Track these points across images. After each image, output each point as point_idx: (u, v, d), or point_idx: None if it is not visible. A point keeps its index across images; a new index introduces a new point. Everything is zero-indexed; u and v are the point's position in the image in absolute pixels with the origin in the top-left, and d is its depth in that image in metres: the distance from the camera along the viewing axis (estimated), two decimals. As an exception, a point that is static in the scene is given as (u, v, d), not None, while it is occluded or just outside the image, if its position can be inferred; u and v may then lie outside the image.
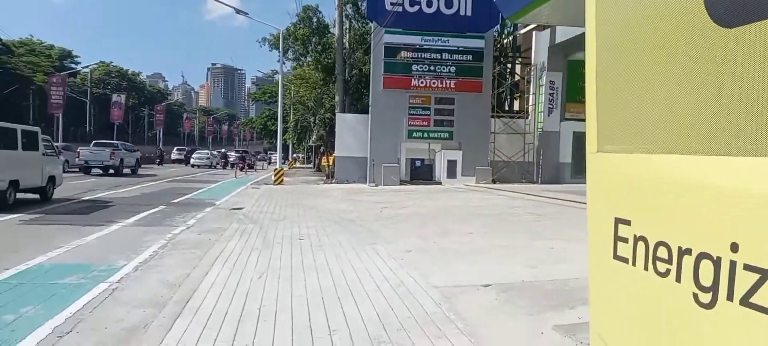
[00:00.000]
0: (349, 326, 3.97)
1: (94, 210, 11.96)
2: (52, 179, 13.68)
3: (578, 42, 21.50)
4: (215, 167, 43.95)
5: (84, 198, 14.55)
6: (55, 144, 16.97)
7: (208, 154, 46.98)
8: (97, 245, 7.71)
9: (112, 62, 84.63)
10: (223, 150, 56.93)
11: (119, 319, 4.33)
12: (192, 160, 44.00)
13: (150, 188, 19.44)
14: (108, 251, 7.28)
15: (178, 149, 53.74)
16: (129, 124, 78.72)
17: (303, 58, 26.76)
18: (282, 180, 21.59)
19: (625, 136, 1.47)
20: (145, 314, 4.45)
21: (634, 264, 1.37)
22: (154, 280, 5.66)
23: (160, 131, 70.85)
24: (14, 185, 11.66)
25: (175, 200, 14.71)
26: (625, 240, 1.41)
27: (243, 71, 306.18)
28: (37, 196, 13.16)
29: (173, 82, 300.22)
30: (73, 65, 66.05)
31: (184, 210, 12.34)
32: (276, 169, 22.25)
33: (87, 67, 64.49)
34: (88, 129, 60.40)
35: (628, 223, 1.40)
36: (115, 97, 57.45)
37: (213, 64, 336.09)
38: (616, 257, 1.46)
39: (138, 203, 13.72)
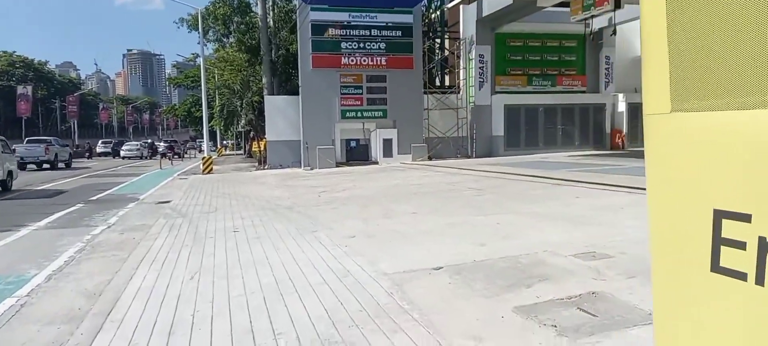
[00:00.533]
0: (295, 328, 3.60)
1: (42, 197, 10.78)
2: (10, 173, 15.68)
3: (504, 15, 21.78)
4: (145, 158, 41.63)
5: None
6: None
7: (138, 145, 44.59)
8: (1, 254, 6.86)
9: (15, 52, 78.14)
10: (149, 140, 53.64)
11: (27, 341, 3.74)
12: (122, 152, 41.48)
13: (70, 183, 17.97)
14: (16, 259, 6.48)
15: (103, 142, 50.46)
16: (39, 118, 73.18)
17: (225, 40, 25.47)
18: (211, 169, 20.60)
19: (734, 83, 0.97)
20: (58, 332, 3.87)
21: (759, 282, 0.90)
22: (69, 290, 5.02)
23: (74, 123, 66.28)
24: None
25: (95, 197, 13.60)
26: (738, 245, 0.95)
27: (162, 56, 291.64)
28: None
29: (87, 72, 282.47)
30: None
31: (104, 207, 11.38)
32: (204, 157, 21.19)
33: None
34: (-9, 125, 55.61)
35: (744, 218, 0.94)
36: (20, 90, 53.16)
37: (129, 50, 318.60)
38: (717, 268, 1.00)
39: (55, 202, 12.55)
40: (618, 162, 16.34)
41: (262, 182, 15.62)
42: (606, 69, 24.95)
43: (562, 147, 23.41)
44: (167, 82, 78.30)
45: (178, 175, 21.27)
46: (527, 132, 23.27)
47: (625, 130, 24.32)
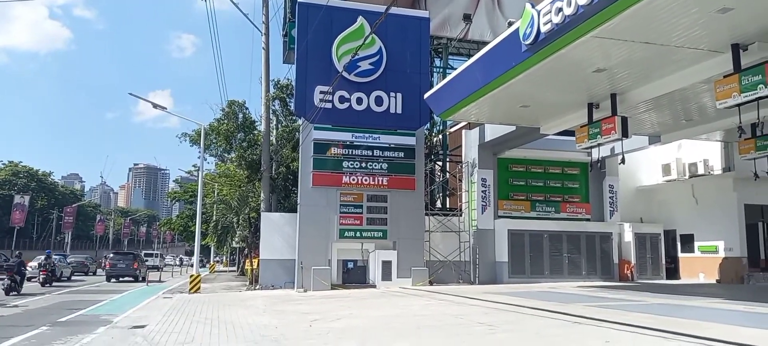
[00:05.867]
0: None
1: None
2: None
3: (506, 141, 21.72)
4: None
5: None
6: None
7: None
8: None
9: (21, 162, 79.06)
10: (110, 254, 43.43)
11: None
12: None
13: (46, 299, 16.70)
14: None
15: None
16: (34, 228, 72.25)
17: (226, 155, 25.34)
18: (199, 287, 19.38)
19: None
20: None
21: None
22: None
23: (68, 235, 65.17)
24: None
25: (64, 319, 12.38)
26: None
27: (167, 171, 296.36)
28: None
29: (92, 183, 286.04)
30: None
31: (69, 332, 10.19)
32: (192, 274, 20.05)
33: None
34: (-18, 233, 54.60)
35: None
36: (17, 199, 52.70)
37: (135, 164, 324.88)
38: None
39: (15, 324, 11.35)
40: (633, 296, 15.24)
41: (250, 305, 14.41)
42: (610, 197, 24.50)
43: (569, 276, 22.31)
44: (167, 197, 78.33)
45: (164, 293, 20.02)
46: (532, 259, 22.29)
47: (633, 260, 23.37)
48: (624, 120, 14.06)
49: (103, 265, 38.55)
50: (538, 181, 23.91)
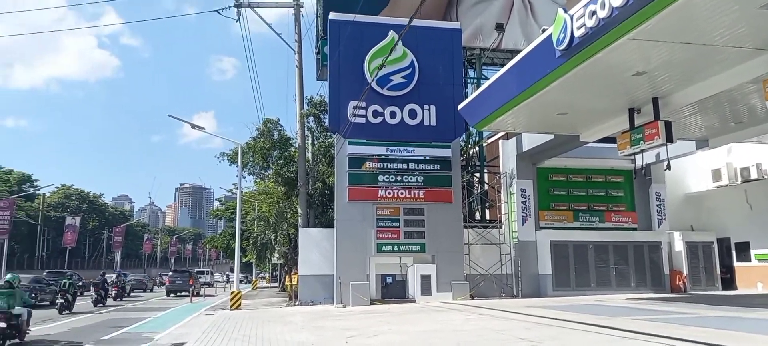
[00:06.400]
0: None
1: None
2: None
3: (545, 150, 21.22)
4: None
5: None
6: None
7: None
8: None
9: (73, 185, 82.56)
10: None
11: None
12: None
13: (92, 318, 17.21)
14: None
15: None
16: (86, 248, 75.10)
17: (263, 172, 25.70)
18: (239, 304, 19.60)
19: None
20: None
21: None
22: None
23: (117, 254, 67.38)
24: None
25: (107, 336, 12.68)
26: None
27: (211, 190, 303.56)
28: None
29: (141, 204, 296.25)
30: (32, 189, 63.72)
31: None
32: (232, 291, 20.30)
33: (41, 190, 62.12)
34: (37, 254, 56.98)
35: None
36: (68, 220, 54.90)
37: (181, 185, 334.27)
38: None
39: (59, 339, 11.68)
40: (687, 308, 14.51)
41: (288, 322, 14.43)
42: (657, 205, 23.59)
43: (617, 288, 21.48)
44: (210, 215, 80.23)
45: (206, 310, 20.34)
46: (577, 271, 21.59)
47: (685, 270, 22.34)
48: (668, 124, 13.49)
49: (159, 282, 47.12)
50: (580, 190, 23.24)
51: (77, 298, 22.24)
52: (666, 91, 13.66)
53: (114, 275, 31.76)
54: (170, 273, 39.33)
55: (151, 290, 41.58)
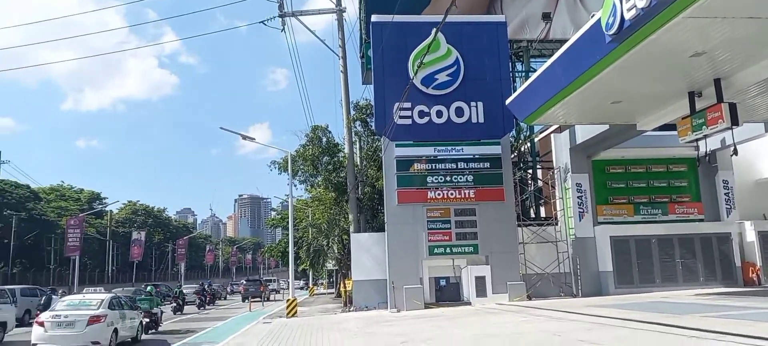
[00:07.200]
0: None
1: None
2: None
3: (600, 141, 20.35)
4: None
5: None
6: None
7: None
8: None
9: (139, 201, 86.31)
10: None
11: None
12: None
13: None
14: None
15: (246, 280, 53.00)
16: (152, 260, 78.35)
17: (313, 179, 25.94)
18: (296, 312, 19.80)
19: None
20: None
21: None
22: None
23: (181, 266, 69.96)
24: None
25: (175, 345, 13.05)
26: None
27: (269, 199, 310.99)
28: None
29: (202, 216, 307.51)
30: (101, 206, 67.18)
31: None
32: (289, 299, 20.54)
33: (109, 206, 65.33)
34: (108, 269, 59.89)
35: None
36: (135, 235, 57.39)
37: (240, 196, 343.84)
38: None
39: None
40: (762, 303, 13.51)
41: (343, 328, 14.43)
42: (725, 194, 22.16)
43: (684, 284, 20.31)
44: (266, 224, 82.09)
45: (264, 318, 20.66)
46: (640, 267, 20.56)
47: (759, 262, 20.86)
48: (732, 107, 12.62)
49: (233, 290, 54.99)
50: (640, 182, 22.16)
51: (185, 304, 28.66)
52: (728, 71, 12.76)
53: (205, 285, 37.83)
54: (244, 282, 46.25)
55: (225, 298, 46.02)
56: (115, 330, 13.08)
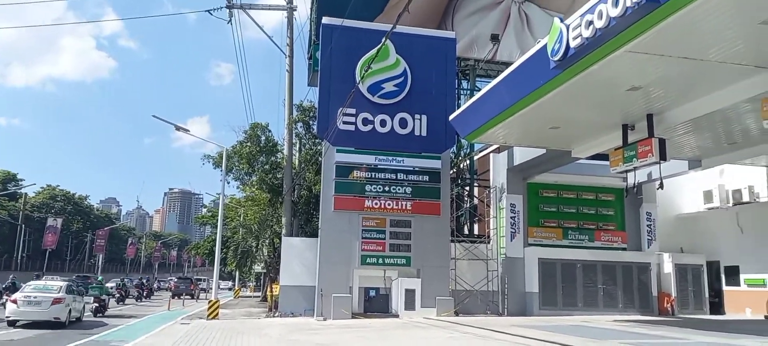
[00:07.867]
0: None
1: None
2: None
3: (536, 165, 20.83)
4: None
5: None
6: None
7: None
8: None
9: (59, 186, 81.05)
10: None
11: None
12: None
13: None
14: None
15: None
16: (68, 250, 73.66)
17: (248, 177, 25.04)
18: (217, 314, 18.92)
19: None
20: None
21: None
22: None
23: (99, 258, 66.13)
24: None
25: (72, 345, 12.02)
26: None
27: (201, 195, 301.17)
28: None
29: (129, 208, 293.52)
30: (15, 188, 62.41)
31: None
32: (210, 300, 19.63)
33: (24, 189, 60.91)
34: (18, 255, 55.66)
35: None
36: (50, 222, 53.66)
37: (170, 189, 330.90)
38: None
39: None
40: (674, 333, 14.10)
41: (265, 334, 13.84)
42: (648, 226, 23.22)
43: (605, 309, 21.03)
44: (194, 221, 79.27)
45: (182, 318, 19.63)
46: (565, 290, 21.12)
47: (674, 293, 21.93)
48: (661, 142, 13.13)
49: (159, 287, 54.26)
50: (570, 207, 22.85)
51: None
52: (661, 107, 13.33)
53: (144, 280, 40.79)
54: (175, 279, 47.95)
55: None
56: (70, 310, 16.76)
